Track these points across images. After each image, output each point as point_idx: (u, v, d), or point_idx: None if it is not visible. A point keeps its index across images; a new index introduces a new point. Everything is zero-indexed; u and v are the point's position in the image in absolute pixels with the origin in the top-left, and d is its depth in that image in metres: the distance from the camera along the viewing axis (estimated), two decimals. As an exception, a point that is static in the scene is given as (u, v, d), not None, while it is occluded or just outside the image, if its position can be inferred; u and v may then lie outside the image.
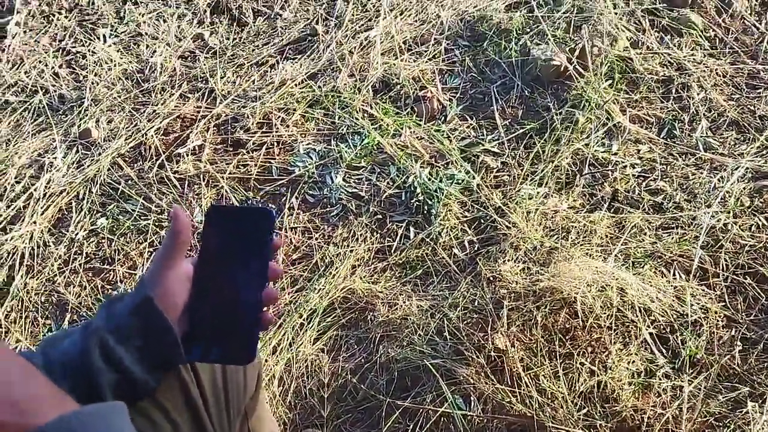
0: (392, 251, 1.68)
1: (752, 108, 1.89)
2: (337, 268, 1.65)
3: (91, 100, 2.16)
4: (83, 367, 0.62)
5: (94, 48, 2.35)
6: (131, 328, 0.64)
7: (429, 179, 1.79)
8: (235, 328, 0.68)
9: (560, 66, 1.96)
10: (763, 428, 1.23)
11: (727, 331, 1.42)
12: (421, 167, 1.82)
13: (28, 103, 2.20)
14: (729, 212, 1.62)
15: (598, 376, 1.34)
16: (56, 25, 2.47)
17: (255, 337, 0.68)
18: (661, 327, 1.42)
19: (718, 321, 1.43)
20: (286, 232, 1.76)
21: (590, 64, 1.97)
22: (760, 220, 1.61)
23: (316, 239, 1.74)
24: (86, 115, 2.11)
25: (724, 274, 1.51)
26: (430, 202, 1.75)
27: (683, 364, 1.36)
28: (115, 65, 2.28)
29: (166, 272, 0.66)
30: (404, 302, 1.54)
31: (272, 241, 0.70)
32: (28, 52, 2.38)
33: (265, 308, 0.69)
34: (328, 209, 1.80)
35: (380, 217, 1.77)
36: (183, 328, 0.67)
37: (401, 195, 1.79)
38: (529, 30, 2.12)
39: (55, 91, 2.23)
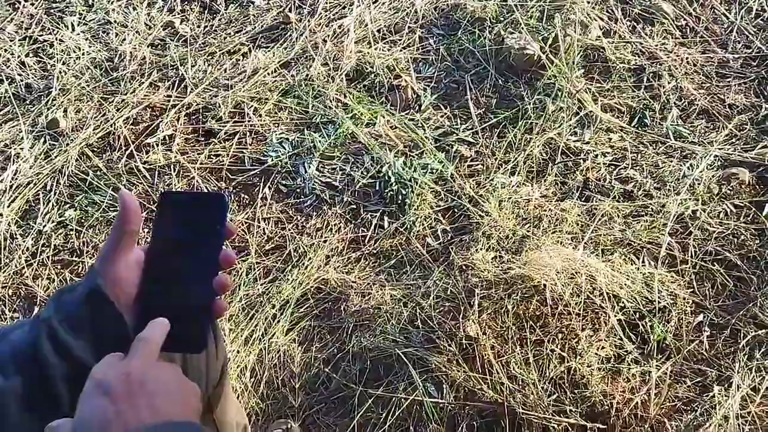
0: (366, 241, 1.68)
1: (722, 96, 1.91)
2: (310, 258, 1.64)
3: (59, 89, 2.11)
4: (34, 359, 0.61)
5: (62, 36, 2.29)
6: (81, 318, 0.62)
7: (403, 169, 1.79)
8: (186, 316, 0.67)
9: (533, 55, 1.97)
10: (728, 411, 1.25)
11: (695, 317, 1.45)
12: (395, 157, 1.82)
13: (-7, 93, 2.14)
14: (697, 200, 1.64)
15: (568, 362, 1.35)
16: (22, 12, 2.41)
17: (206, 326, 0.67)
18: (630, 313, 1.43)
19: (686, 307, 1.45)
20: (259, 222, 1.75)
21: (563, 53, 1.97)
22: (728, 207, 1.63)
23: (290, 230, 1.73)
24: (54, 105, 2.06)
25: (692, 261, 1.53)
26: (404, 192, 1.74)
27: (651, 349, 1.38)
28: (83, 54, 2.23)
29: (116, 259, 0.64)
30: (378, 292, 1.54)
31: (225, 227, 0.69)
32: (-8, 40, 2.31)
33: (217, 296, 0.68)
34: (301, 199, 1.79)
35: (354, 207, 1.76)
36: (134, 316, 0.66)
37: (375, 185, 1.79)
38: (503, 19, 2.11)
39: (21, 80, 2.18)
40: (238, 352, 1.46)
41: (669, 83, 1.94)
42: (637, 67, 1.99)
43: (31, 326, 0.63)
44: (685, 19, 2.12)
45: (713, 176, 1.70)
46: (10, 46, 2.28)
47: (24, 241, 1.76)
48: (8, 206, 1.82)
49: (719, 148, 1.76)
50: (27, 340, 0.62)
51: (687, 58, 2.01)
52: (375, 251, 1.66)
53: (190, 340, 0.67)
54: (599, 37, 2.04)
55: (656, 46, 2.03)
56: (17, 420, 0.59)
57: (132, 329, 0.64)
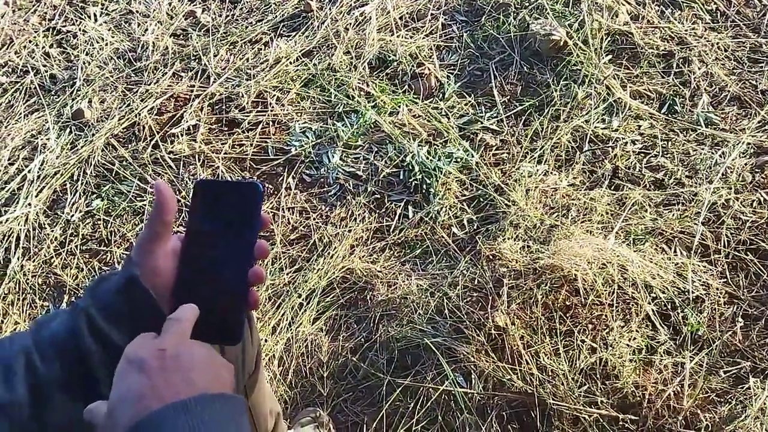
0: (391, 231, 1.67)
1: (754, 82, 1.86)
2: (335, 248, 1.63)
3: (83, 80, 2.12)
4: (73, 347, 0.61)
5: (85, 27, 2.30)
6: (119, 307, 0.63)
7: (427, 158, 1.77)
8: (222, 307, 0.67)
9: (559, 41, 1.93)
10: (765, 403, 1.23)
11: (728, 308, 1.42)
12: (419, 146, 1.80)
13: (19, 84, 2.16)
14: (730, 188, 1.61)
15: (599, 353, 1.34)
16: (46, 3, 2.42)
17: (242, 316, 0.67)
18: (663, 304, 1.41)
19: (719, 297, 1.43)
20: (284, 212, 1.74)
21: (590, 39, 1.93)
22: (761, 195, 1.60)
23: (314, 219, 1.72)
24: (78, 96, 2.07)
25: (725, 251, 1.50)
26: (428, 181, 1.73)
27: (684, 340, 1.36)
28: (106, 44, 2.23)
29: (152, 249, 0.64)
30: (404, 281, 1.53)
31: (260, 217, 0.68)
32: (17, 32, 2.33)
33: (252, 287, 0.67)
34: (325, 189, 1.78)
35: (378, 196, 1.75)
36: (171, 305, 0.66)
37: (399, 174, 1.77)
38: (527, 4, 2.08)
39: (46, 71, 2.19)
40: (265, 341, 1.46)
41: (699, 69, 1.89)
42: (667, 53, 1.95)
43: (69, 315, 0.63)
44: (715, 3, 2.06)
45: (746, 164, 1.66)
46: (35, 37, 2.29)
47: (52, 231, 1.77)
48: (36, 196, 1.84)
49: (752, 136, 1.72)
50: (65, 328, 0.62)
51: (717, 43, 1.96)
52: (400, 241, 1.65)
53: (226, 331, 0.67)
54: (627, 22, 1.99)
55: (686, 31, 1.98)
56: (58, 405, 0.60)
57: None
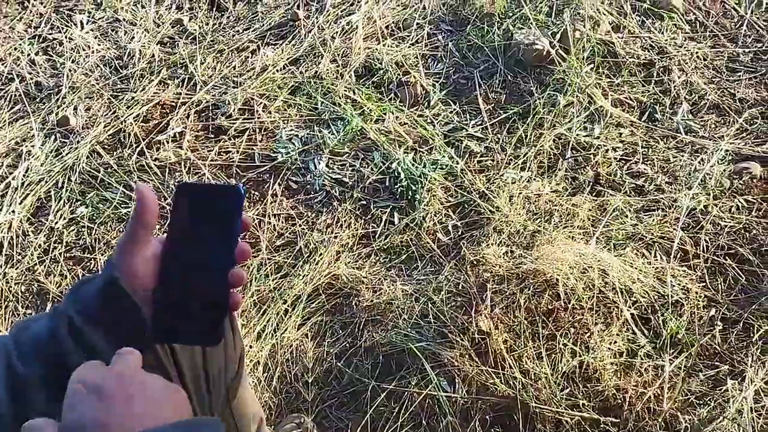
0: (376, 237, 1.68)
1: (732, 91, 1.90)
2: (321, 254, 1.64)
3: (69, 87, 2.12)
4: (53, 349, 0.61)
5: (71, 34, 2.30)
6: (99, 309, 0.63)
7: (413, 165, 1.79)
8: (202, 309, 0.67)
9: (543, 50, 1.96)
10: (742, 405, 1.25)
11: (707, 311, 1.44)
12: (404, 153, 1.82)
13: (4, 91, 2.15)
14: (709, 194, 1.64)
15: (580, 356, 1.35)
16: (31, 11, 2.42)
17: (223, 318, 0.67)
18: (643, 308, 1.43)
19: (698, 301, 1.45)
20: (270, 218, 1.75)
21: (572, 48, 1.97)
22: (739, 201, 1.63)
23: (300, 226, 1.73)
24: (64, 103, 2.07)
25: (704, 255, 1.53)
26: (414, 188, 1.74)
27: (664, 343, 1.38)
28: (92, 52, 2.23)
29: (133, 251, 0.64)
30: (389, 287, 1.54)
31: (241, 220, 0.69)
32: (2, 39, 2.32)
33: (233, 289, 0.68)
34: (311, 195, 1.79)
35: (364, 203, 1.76)
36: (151, 307, 0.66)
37: (385, 181, 1.79)
38: (511, 14, 2.11)
39: (31, 78, 2.19)
40: (250, 347, 1.47)
41: (679, 78, 1.93)
42: (647, 62, 1.98)
43: (49, 317, 0.64)
44: (694, 14, 2.11)
45: (725, 170, 1.69)
46: (20, 44, 2.29)
47: (36, 238, 1.77)
48: (20, 203, 1.83)
49: (730, 143, 1.75)
50: (46, 330, 0.62)
51: (697, 52, 2.00)
52: (385, 247, 1.66)
53: (207, 333, 0.67)
54: (608, 31, 2.03)
55: (666, 40, 2.03)
56: (37, 406, 0.60)
57: (149, 321, 0.64)
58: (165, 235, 0.68)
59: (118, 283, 0.62)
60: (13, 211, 1.82)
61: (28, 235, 1.78)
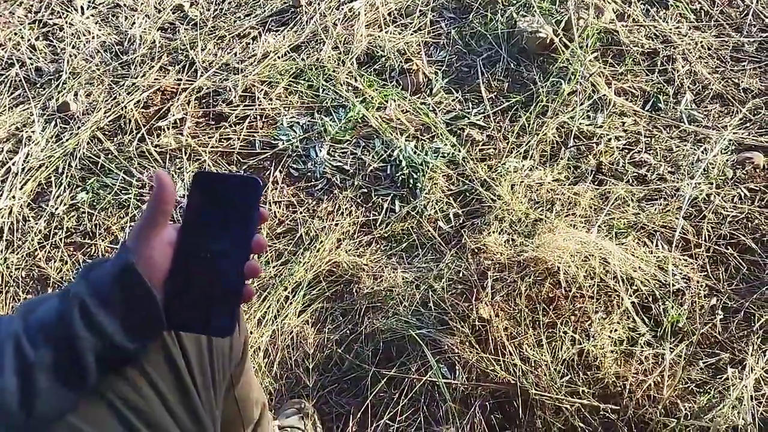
0: (377, 225, 1.68)
1: (736, 81, 1.89)
2: (321, 241, 1.64)
3: (69, 72, 2.11)
4: (64, 334, 0.60)
5: (72, 20, 2.28)
6: (113, 294, 0.62)
7: (414, 152, 1.78)
8: (216, 299, 0.67)
9: (546, 38, 1.95)
10: (742, 393, 1.25)
11: (708, 300, 1.44)
12: (406, 140, 1.81)
13: (4, 76, 2.14)
14: (712, 184, 1.63)
15: (580, 344, 1.35)
16: (31, -4, 2.40)
17: (235, 310, 0.67)
18: (644, 296, 1.43)
19: (699, 290, 1.45)
20: (271, 206, 1.75)
21: (576, 36, 1.96)
22: (742, 191, 1.62)
23: (301, 213, 1.73)
24: (64, 88, 2.06)
25: (706, 245, 1.53)
26: (415, 176, 1.74)
27: (665, 332, 1.38)
28: (93, 37, 2.22)
29: (149, 237, 0.64)
30: (389, 274, 1.54)
31: (258, 212, 0.68)
32: (2, 24, 2.31)
33: (246, 281, 0.67)
34: (312, 183, 1.79)
35: (365, 190, 1.75)
36: (164, 295, 0.66)
37: (386, 168, 1.78)
38: (515, 1, 2.09)
39: (31, 63, 2.17)
40: (251, 333, 1.47)
41: (683, 67, 1.92)
42: (651, 51, 1.97)
43: (60, 299, 0.62)
44: (699, 3, 2.09)
45: (727, 160, 1.68)
46: (20, 29, 2.28)
47: (36, 224, 1.76)
48: (21, 188, 1.83)
49: (733, 133, 1.75)
50: (56, 313, 0.61)
51: (701, 41, 1.99)
52: (386, 235, 1.66)
53: (219, 323, 0.67)
54: (613, 20, 2.02)
55: (670, 29, 2.01)
56: (45, 392, 0.59)
57: (162, 308, 0.64)
58: (181, 222, 0.68)
59: (134, 268, 0.61)
60: (14, 197, 1.81)
61: (29, 221, 1.78)
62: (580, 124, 1.80)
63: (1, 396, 0.57)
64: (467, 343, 1.37)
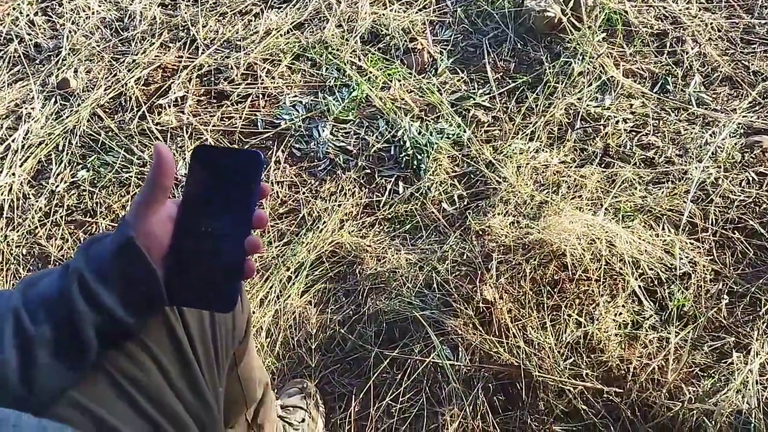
0: (381, 206, 1.66)
1: (746, 63, 1.86)
2: (324, 222, 1.63)
3: (69, 49, 2.08)
4: (64, 309, 0.60)
5: (71, -5, 2.25)
6: (113, 269, 0.61)
7: (419, 133, 1.76)
8: (217, 274, 0.66)
9: (554, 18, 1.92)
10: (747, 377, 1.24)
11: (714, 285, 1.43)
12: (410, 121, 1.79)
13: (3, 52, 2.11)
14: (720, 167, 1.61)
15: (585, 327, 1.34)
16: (30, -30, 2.36)
17: (236, 285, 0.66)
18: (649, 280, 1.42)
19: (705, 274, 1.44)
20: (273, 186, 1.73)
21: (584, 17, 1.92)
22: (750, 174, 1.60)
23: (303, 193, 1.71)
24: (64, 65, 2.03)
25: (713, 229, 1.51)
26: (419, 157, 1.72)
27: (670, 316, 1.37)
28: (93, 13, 2.18)
29: (149, 212, 0.63)
30: (393, 256, 1.52)
31: (260, 187, 0.67)
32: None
33: (248, 256, 0.66)
34: (315, 163, 1.77)
35: (369, 171, 1.74)
36: (165, 270, 0.65)
37: (390, 149, 1.76)
38: (522, -20, 2.05)
39: (30, 39, 2.14)
40: (253, 312, 1.46)
41: (692, 49, 1.89)
42: (660, 32, 1.94)
43: (60, 274, 0.62)
44: (710, -17, 2.05)
45: (736, 144, 1.66)
46: (19, 4, 2.24)
47: (37, 201, 1.75)
48: (20, 166, 1.81)
49: (742, 116, 1.72)
50: (56, 288, 0.61)
51: (711, 23, 1.95)
52: (390, 216, 1.64)
53: (220, 299, 0.66)
54: (622, 0, 1.98)
55: (680, 10, 1.98)
56: (45, 367, 0.59)
57: (163, 283, 0.63)
58: (181, 196, 0.67)
59: (133, 242, 0.61)
60: (14, 174, 1.79)
61: (29, 198, 1.76)
62: (588, 105, 1.77)
63: (2, 370, 0.57)
64: (471, 325, 1.36)
